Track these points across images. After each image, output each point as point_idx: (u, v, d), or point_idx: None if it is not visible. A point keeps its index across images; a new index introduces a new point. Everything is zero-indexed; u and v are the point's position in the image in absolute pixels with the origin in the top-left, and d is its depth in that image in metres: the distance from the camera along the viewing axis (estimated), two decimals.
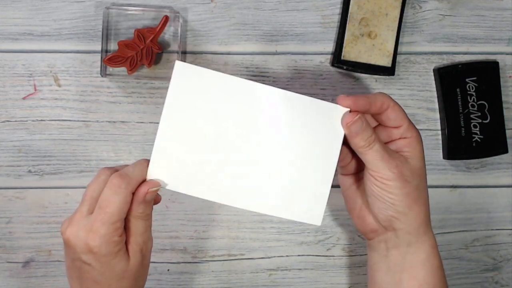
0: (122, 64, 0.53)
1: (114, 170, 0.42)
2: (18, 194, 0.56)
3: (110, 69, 0.55)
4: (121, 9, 0.55)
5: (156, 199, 0.45)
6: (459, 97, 0.57)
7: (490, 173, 0.59)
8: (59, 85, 0.56)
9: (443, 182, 0.59)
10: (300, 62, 0.57)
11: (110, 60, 0.53)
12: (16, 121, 0.56)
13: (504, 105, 0.58)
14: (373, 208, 0.44)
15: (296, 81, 0.57)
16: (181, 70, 0.41)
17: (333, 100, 0.57)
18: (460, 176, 0.59)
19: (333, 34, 0.57)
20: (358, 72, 0.57)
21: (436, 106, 0.58)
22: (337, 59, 0.56)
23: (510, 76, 0.59)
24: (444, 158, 0.58)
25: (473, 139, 0.57)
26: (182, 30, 0.55)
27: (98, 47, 0.55)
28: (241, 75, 0.56)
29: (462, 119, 0.57)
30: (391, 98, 0.44)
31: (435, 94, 0.58)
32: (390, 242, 0.45)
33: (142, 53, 0.53)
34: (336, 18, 0.57)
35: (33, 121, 0.56)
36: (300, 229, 0.58)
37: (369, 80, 0.58)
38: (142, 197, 0.41)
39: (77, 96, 0.56)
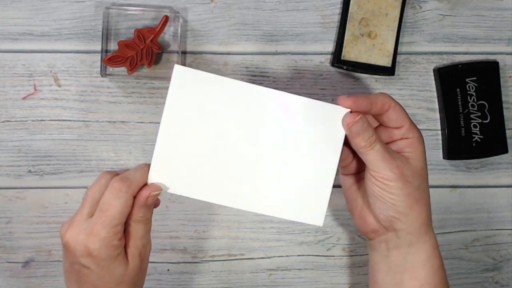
0: (122, 64, 0.53)
1: (115, 173, 0.42)
2: (18, 194, 0.56)
3: (110, 69, 0.55)
4: (121, 9, 0.55)
5: (156, 203, 0.45)
6: (459, 97, 0.57)
7: (490, 173, 0.59)
8: (59, 85, 0.56)
9: (443, 182, 0.59)
10: (300, 62, 0.57)
11: (110, 60, 0.53)
12: (16, 121, 0.56)
13: (504, 105, 0.58)
14: (374, 208, 0.44)
15: (296, 81, 0.57)
16: (180, 74, 0.41)
17: (333, 100, 0.57)
18: (460, 176, 0.59)
19: (333, 34, 0.57)
20: (358, 72, 0.57)
21: (436, 106, 0.58)
22: (337, 59, 0.56)
23: (510, 76, 0.59)
24: (444, 158, 0.58)
25: (473, 139, 0.57)
26: (182, 30, 0.55)
27: (98, 47, 0.55)
28: (241, 75, 0.56)
29: (462, 119, 0.57)
30: (392, 98, 0.43)
31: (435, 94, 0.58)
32: (391, 243, 0.45)
33: (142, 53, 0.53)
34: (336, 18, 0.57)
35: (33, 121, 0.56)
36: (300, 229, 0.58)
37: (369, 80, 0.58)
38: (144, 201, 0.41)
39: (77, 96, 0.56)
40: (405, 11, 0.56)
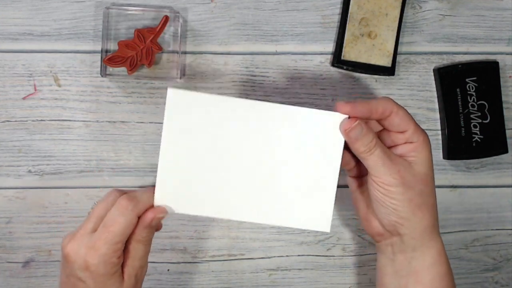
0: (122, 64, 0.53)
1: (124, 192, 0.43)
2: (18, 194, 0.56)
3: (110, 69, 0.55)
4: (121, 9, 0.55)
5: (158, 226, 0.45)
6: (459, 97, 0.57)
7: (490, 173, 0.59)
8: (59, 85, 0.56)
9: (443, 182, 0.59)
10: (300, 62, 0.57)
11: (110, 60, 0.53)
12: (16, 121, 0.56)
13: (504, 105, 0.58)
14: (377, 213, 0.44)
15: (296, 81, 0.57)
16: (174, 97, 0.42)
17: (333, 100, 0.57)
18: (460, 176, 0.59)
19: (333, 34, 0.57)
20: (358, 72, 0.57)
21: (436, 106, 0.58)
22: (337, 59, 0.56)
23: (510, 76, 0.59)
24: (444, 158, 0.58)
25: (473, 139, 0.57)
26: (182, 30, 0.55)
27: (98, 47, 0.55)
28: (241, 75, 0.56)
29: (462, 119, 0.57)
30: (394, 103, 0.43)
31: (435, 94, 0.58)
32: (396, 246, 0.45)
33: (142, 53, 0.53)
34: (336, 18, 0.57)
35: (33, 121, 0.56)
36: (300, 229, 0.58)
37: (369, 80, 0.58)
38: (148, 222, 0.42)
39: (77, 96, 0.56)
40: (405, 11, 0.56)
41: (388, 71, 0.56)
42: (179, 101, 0.42)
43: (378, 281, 0.48)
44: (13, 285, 0.57)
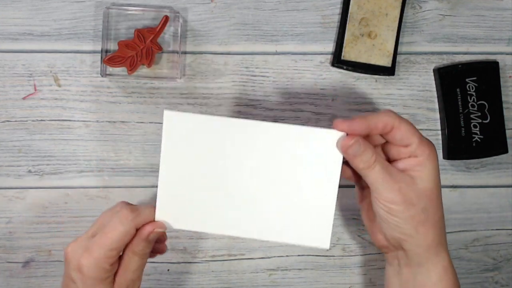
0: (122, 64, 0.53)
1: (131, 205, 0.43)
2: (18, 194, 0.56)
3: (110, 69, 0.55)
4: (121, 9, 0.55)
5: (162, 249, 0.46)
6: (459, 97, 0.57)
7: (490, 173, 0.59)
8: (59, 85, 0.56)
9: (443, 182, 0.58)
10: (300, 62, 0.57)
11: (110, 60, 0.53)
12: (16, 121, 0.56)
13: (504, 105, 0.58)
14: (381, 227, 0.44)
15: (296, 81, 0.57)
16: (170, 119, 0.42)
17: (333, 101, 0.57)
18: (460, 176, 0.59)
19: (333, 34, 0.57)
20: (358, 72, 0.57)
21: (436, 106, 0.58)
22: (337, 59, 0.56)
23: (510, 76, 0.59)
24: (444, 158, 0.58)
25: (473, 139, 0.57)
26: (182, 30, 0.55)
27: (98, 47, 0.55)
28: (241, 75, 0.56)
29: (462, 119, 0.57)
30: (396, 116, 0.41)
31: (435, 94, 0.58)
32: (401, 260, 0.45)
33: (142, 53, 0.53)
34: (336, 18, 0.57)
35: (33, 121, 0.56)
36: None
37: (369, 80, 0.58)
38: (146, 234, 0.42)
39: (77, 96, 0.56)
40: (405, 11, 0.56)
41: (388, 71, 0.56)
42: (175, 123, 0.42)
43: None
44: (13, 285, 0.57)
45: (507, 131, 0.58)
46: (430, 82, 0.58)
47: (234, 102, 0.57)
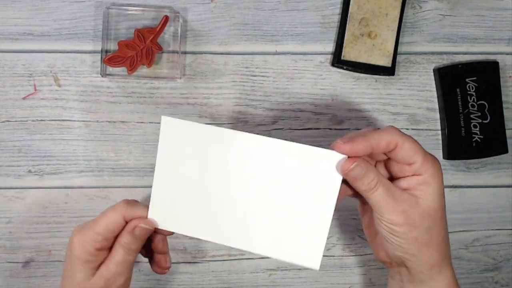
0: (122, 64, 0.53)
1: (130, 201, 0.44)
2: (18, 194, 0.56)
3: (110, 69, 0.55)
4: (121, 9, 0.55)
5: (163, 265, 0.46)
6: (459, 97, 0.57)
7: (490, 173, 0.59)
8: (59, 85, 0.56)
9: (443, 182, 0.59)
10: (300, 62, 0.57)
11: (110, 60, 0.53)
12: (16, 121, 0.56)
13: (504, 105, 0.58)
14: (384, 245, 0.43)
15: (296, 81, 0.57)
16: (168, 125, 0.42)
17: (333, 100, 0.57)
18: (460, 176, 0.59)
19: (333, 34, 0.57)
20: (358, 72, 0.57)
21: (436, 106, 0.58)
22: (337, 59, 0.56)
23: (510, 76, 0.59)
24: (444, 158, 0.58)
25: (473, 139, 0.57)
26: (182, 30, 0.55)
27: (98, 47, 0.55)
28: (241, 75, 0.56)
29: (462, 119, 0.57)
30: (399, 134, 0.40)
31: (435, 94, 0.58)
32: (404, 276, 0.44)
33: (142, 53, 0.53)
34: (336, 18, 0.57)
35: (33, 121, 0.56)
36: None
37: (369, 80, 0.58)
38: (131, 228, 0.42)
39: (77, 96, 0.56)
40: (405, 11, 0.56)
41: (388, 71, 0.56)
42: (172, 129, 0.42)
43: None
44: (13, 285, 0.57)
45: (507, 131, 0.58)
46: (430, 82, 0.58)
47: (234, 102, 0.57)
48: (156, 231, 0.44)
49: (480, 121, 0.57)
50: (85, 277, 0.42)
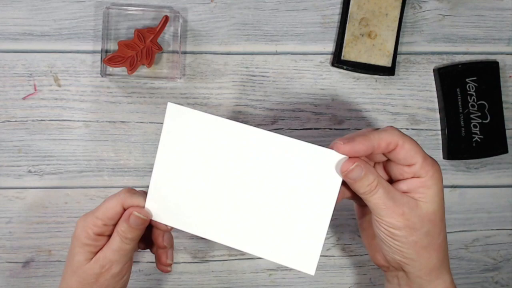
0: (122, 64, 0.53)
1: (132, 190, 0.45)
2: (18, 194, 0.56)
3: (110, 69, 0.55)
4: (121, 9, 0.55)
5: (163, 261, 0.46)
6: (459, 97, 0.57)
7: (490, 173, 0.59)
8: (59, 85, 0.56)
9: (443, 182, 0.59)
10: (300, 62, 0.57)
11: (110, 60, 0.53)
12: (16, 121, 0.56)
13: (504, 105, 0.58)
14: (381, 249, 0.43)
15: (296, 81, 0.57)
16: (173, 112, 0.42)
17: (333, 100, 0.57)
18: (460, 176, 0.59)
19: (333, 34, 0.57)
20: (358, 72, 0.57)
21: (436, 106, 0.58)
22: (337, 59, 0.56)
23: (510, 76, 0.59)
24: (444, 158, 0.58)
25: (473, 139, 0.57)
26: (182, 30, 0.55)
27: (98, 47, 0.55)
28: (241, 75, 0.56)
29: (462, 119, 0.57)
30: (400, 134, 0.39)
31: (435, 94, 0.58)
32: (402, 280, 0.44)
33: (142, 53, 0.53)
34: (336, 18, 0.57)
35: (33, 121, 0.56)
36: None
37: (369, 80, 0.58)
38: (127, 215, 0.43)
39: (77, 96, 0.56)
40: (405, 11, 0.56)
41: (388, 71, 0.56)
42: (177, 116, 0.42)
43: None
44: (13, 285, 0.57)
45: (507, 131, 0.58)
46: (430, 82, 0.58)
47: (234, 102, 0.57)
48: (152, 225, 0.45)
49: (480, 121, 0.57)
50: (83, 260, 0.43)
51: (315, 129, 0.58)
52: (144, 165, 0.57)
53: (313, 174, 0.41)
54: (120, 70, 0.55)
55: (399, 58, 0.57)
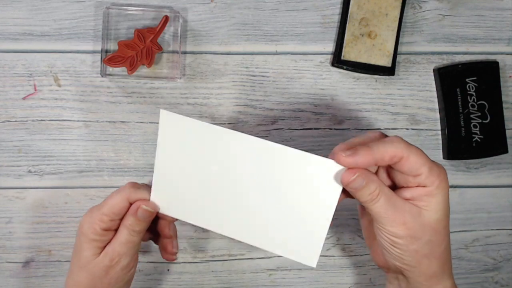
0: (122, 64, 0.53)
1: (136, 184, 0.45)
2: (18, 194, 0.56)
3: (110, 69, 0.55)
4: (121, 9, 0.55)
5: (169, 250, 0.47)
6: (459, 97, 0.57)
7: (490, 173, 0.59)
8: (59, 85, 0.56)
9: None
10: (300, 62, 0.57)
11: (110, 60, 0.53)
12: (16, 121, 0.56)
13: (504, 105, 0.58)
14: (383, 253, 0.43)
15: (296, 81, 0.57)
16: (166, 119, 0.42)
17: (333, 100, 0.57)
18: (460, 176, 0.59)
19: (333, 34, 0.57)
20: (358, 72, 0.57)
21: (436, 106, 0.58)
22: (337, 59, 0.56)
23: (510, 76, 0.59)
24: (444, 158, 0.58)
25: (473, 139, 0.57)
26: (182, 30, 0.55)
27: (98, 47, 0.55)
28: (241, 75, 0.56)
29: (462, 119, 0.57)
30: (404, 145, 0.38)
31: (435, 94, 0.58)
32: (402, 282, 0.44)
33: (142, 53, 0.53)
34: (336, 18, 0.57)
35: (33, 121, 0.56)
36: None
37: (369, 80, 0.58)
38: (134, 209, 0.44)
39: (77, 96, 0.56)
40: (405, 11, 0.56)
41: (388, 71, 0.56)
42: (170, 123, 0.42)
43: None
44: (13, 285, 0.57)
45: (507, 131, 0.58)
46: (430, 82, 0.58)
47: (234, 102, 0.57)
48: (159, 217, 0.45)
49: (480, 121, 0.57)
50: (91, 255, 0.44)
51: (315, 129, 0.58)
52: (144, 165, 0.57)
53: (313, 182, 0.41)
54: (120, 70, 0.55)
55: (399, 58, 0.57)
